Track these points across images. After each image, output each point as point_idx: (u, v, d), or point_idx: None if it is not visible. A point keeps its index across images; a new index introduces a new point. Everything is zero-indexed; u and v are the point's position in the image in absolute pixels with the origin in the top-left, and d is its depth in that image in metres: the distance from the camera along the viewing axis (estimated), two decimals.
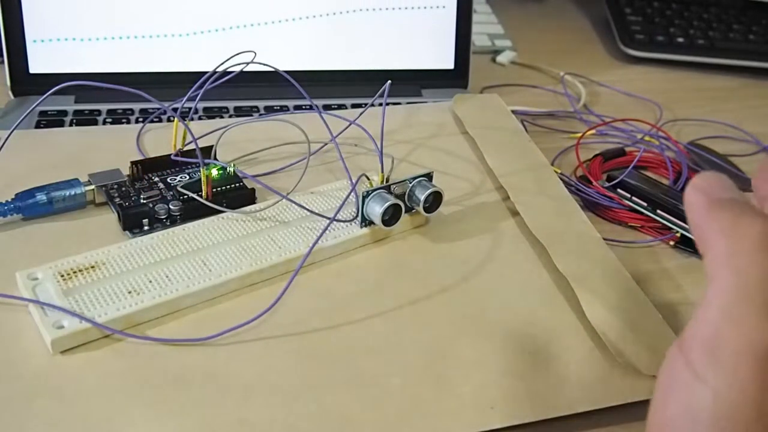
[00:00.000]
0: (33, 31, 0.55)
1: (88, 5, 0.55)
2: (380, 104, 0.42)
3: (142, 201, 0.42)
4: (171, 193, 0.43)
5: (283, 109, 0.57)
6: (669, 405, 0.22)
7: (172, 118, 0.44)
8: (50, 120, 0.54)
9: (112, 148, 0.48)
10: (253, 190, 0.44)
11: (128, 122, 0.54)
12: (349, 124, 0.48)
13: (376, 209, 0.41)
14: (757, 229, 0.21)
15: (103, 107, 0.55)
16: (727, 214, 0.22)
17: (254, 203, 0.44)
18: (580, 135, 0.56)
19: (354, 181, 0.42)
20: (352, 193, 0.42)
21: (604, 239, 0.44)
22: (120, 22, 0.56)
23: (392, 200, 0.41)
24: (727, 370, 0.21)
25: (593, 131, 0.59)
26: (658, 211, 0.48)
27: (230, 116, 0.56)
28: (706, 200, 0.23)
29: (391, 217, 0.41)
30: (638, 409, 0.34)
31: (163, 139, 0.46)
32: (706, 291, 0.22)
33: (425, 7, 0.61)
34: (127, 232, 0.41)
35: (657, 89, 0.69)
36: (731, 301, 0.21)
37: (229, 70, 0.43)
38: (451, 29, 0.62)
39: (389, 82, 0.42)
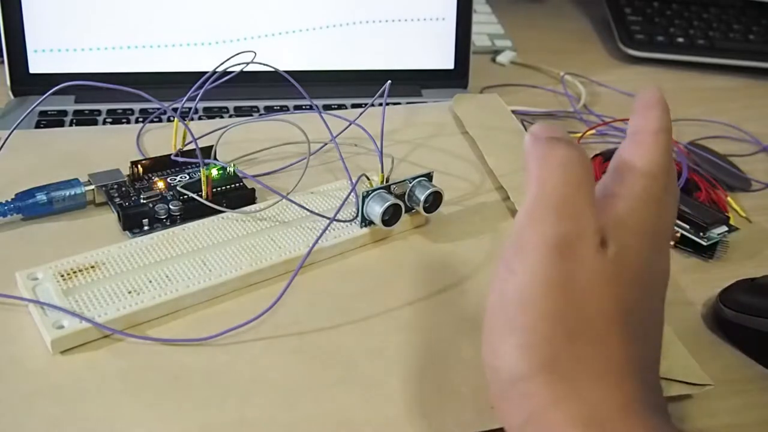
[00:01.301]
0: (33, 31, 0.55)
1: (88, 6, 0.55)
2: (380, 104, 0.42)
3: (142, 201, 0.42)
4: (171, 193, 0.43)
5: (283, 109, 0.57)
6: (490, 296, 0.27)
7: (172, 118, 0.44)
8: (50, 120, 0.54)
9: (112, 148, 0.48)
10: (253, 190, 0.44)
11: (128, 122, 0.54)
12: (349, 124, 0.48)
13: (376, 209, 0.41)
14: (560, 152, 0.26)
15: (103, 107, 0.55)
16: (543, 144, 0.27)
17: (254, 203, 0.44)
18: (580, 135, 0.56)
19: (354, 181, 0.42)
20: (352, 193, 0.42)
21: None
22: (120, 22, 0.56)
23: (392, 200, 0.41)
24: (526, 258, 0.26)
25: (593, 131, 0.59)
26: None
27: (230, 116, 0.56)
28: (532, 137, 0.27)
29: (391, 217, 0.41)
30: None
31: (163, 139, 0.46)
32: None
33: (425, 16, 0.61)
34: (127, 232, 0.41)
35: None
36: (532, 205, 0.26)
37: (229, 70, 0.43)
38: (451, 29, 0.62)
39: (389, 82, 0.42)
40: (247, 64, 0.43)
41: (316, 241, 0.39)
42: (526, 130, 0.55)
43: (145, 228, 0.41)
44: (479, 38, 0.75)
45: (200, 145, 0.42)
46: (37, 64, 0.55)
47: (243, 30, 0.58)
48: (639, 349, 0.26)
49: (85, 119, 0.54)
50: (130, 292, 0.36)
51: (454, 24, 0.61)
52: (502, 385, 0.26)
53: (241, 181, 0.44)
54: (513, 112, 0.57)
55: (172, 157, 0.44)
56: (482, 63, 0.71)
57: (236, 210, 0.42)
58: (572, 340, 0.25)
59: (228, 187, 0.43)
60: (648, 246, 0.27)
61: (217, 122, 0.52)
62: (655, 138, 0.28)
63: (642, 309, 0.26)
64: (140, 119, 0.54)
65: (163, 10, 0.56)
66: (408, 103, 0.58)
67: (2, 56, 0.55)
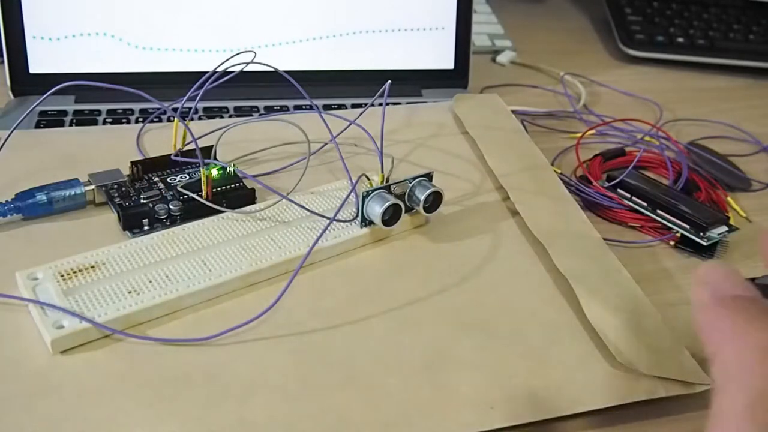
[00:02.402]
0: (33, 31, 0.55)
1: (88, 6, 0.55)
2: (380, 104, 0.42)
3: (142, 201, 0.42)
4: (171, 193, 0.43)
5: (283, 109, 0.57)
6: None
7: (172, 118, 0.44)
8: (50, 120, 0.54)
9: (112, 148, 0.48)
10: (253, 190, 0.44)
11: (128, 122, 0.54)
12: (349, 124, 0.48)
13: (376, 209, 0.41)
14: (761, 339, 0.21)
15: (103, 107, 0.55)
16: (740, 321, 0.22)
17: (254, 203, 0.44)
18: (580, 135, 0.56)
19: (354, 181, 0.42)
20: (352, 193, 0.42)
21: (604, 239, 0.44)
22: (120, 22, 0.56)
23: (392, 200, 0.41)
24: None
25: (593, 131, 0.59)
26: (658, 211, 0.48)
27: (230, 116, 0.56)
28: (712, 299, 0.22)
29: (391, 217, 0.41)
30: (638, 409, 0.35)
31: (163, 139, 0.46)
32: (713, 400, 0.22)
33: (425, 26, 0.61)
34: (127, 232, 0.41)
35: (657, 89, 0.69)
36: (755, 406, 0.21)
37: (229, 70, 0.43)
38: (451, 29, 0.62)
39: (389, 82, 0.42)
40: (247, 64, 0.43)
41: (316, 241, 0.39)
42: (526, 130, 0.55)
43: (145, 228, 0.41)
44: (479, 38, 0.75)
45: (200, 145, 0.42)
46: (37, 64, 0.55)
47: (243, 33, 0.58)
48: None
49: (85, 119, 0.54)
50: (130, 292, 0.36)
51: (454, 13, 0.61)
52: None
53: (241, 181, 0.44)
54: (513, 112, 0.57)
55: (172, 157, 0.44)
56: (482, 63, 0.71)
57: (236, 210, 0.42)
58: None
59: (228, 187, 0.43)
60: None
61: (217, 122, 0.52)
62: None
63: None
64: (140, 119, 0.54)
65: (163, 12, 0.56)
66: (408, 103, 0.58)
67: (2, 56, 0.55)
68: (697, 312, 0.23)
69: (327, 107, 0.57)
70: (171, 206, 0.42)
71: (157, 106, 0.43)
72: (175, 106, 0.44)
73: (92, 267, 0.37)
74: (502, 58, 0.72)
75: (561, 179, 0.49)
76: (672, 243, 0.47)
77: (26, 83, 0.55)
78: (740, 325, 0.22)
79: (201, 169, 0.42)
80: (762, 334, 0.21)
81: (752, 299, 0.22)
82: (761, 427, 0.20)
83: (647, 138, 0.59)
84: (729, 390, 0.21)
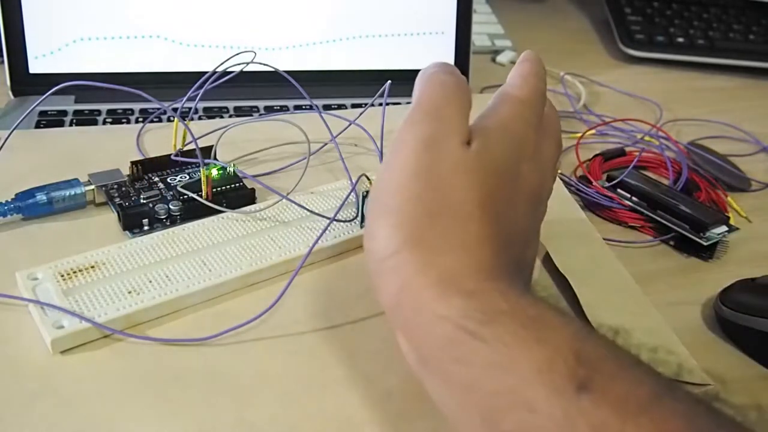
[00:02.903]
0: (33, 32, 0.55)
1: (88, 6, 0.55)
2: (380, 104, 0.42)
3: (142, 201, 0.42)
4: (171, 193, 0.43)
5: (283, 109, 0.57)
6: (372, 191, 0.31)
7: (172, 118, 0.44)
8: (50, 120, 0.54)
9: (112, 148, 0.48)
10: (253, 190, 0.44)
11: (128, 122, 0.54)
12: (349, 124, 0.48)
13: None
14: (438, 76, 0.32)
15: (103, 107, 0.55)
16: (429, 70, 0.32)
17: (254, 203, 0.43)
18: (580, 135, 0.56)
19: (354, 181, 0.42)
20: (352, 193, 0.42)
21: (604, 239, 0.44)
22: (120, 22, 0.56)
23: None
24: (399, 153, 0.30)
25: (593, 131, 0.59)
26: (658, 211, 0.48)
27: (230, 116, 0.56)
28: (423, 69, 0.33)
29: None
30: None
31: (163, 139, 0.46)
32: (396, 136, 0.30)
33: (425, 31, 0.61)
34: (127, 232, 0.41)
35: (657, 89, 0.69)
36: (410, 113, 0.31)
37: (229, 70, 0.43)
38: (451, 29, 0.62)
39: (389, 82, 0.42)
40: (247, 64, 0.43)
41: (316, 241, 0.39)
42: None
43: (145, 228, 0.41)
44: (479, 38, 0.75)
45: (200, 145, 0.42)
46: (37, 64, 0.55)
47: (243, 33, 0.58)
48: (498, 230, 0.29)
49: (85, 119, 0.54)
50: (130, 292, 0.36)
51: (454, 14, 0.61)
52: (377, 264, 0.29)
53: (241, 181, 0.44)
54: None
55: (172, 157, 0.44)
56: (482, 63, 0.71)
57: (236, 210, 0.42)
58: (434, 218, 0.28)
59: (228, 187, 0.43)
60: (512, 151, 0.31)
61: (217, 122, 0.52)
62: (526, 78, 0.33)
63: (502, 201, 0.30)
64: (140, 119, 0.54)
65: (163, 13, 0.56)
66: (408, 103, 0.58)
67: (2, 56, 0.55)
68: (419, 74, 0.33)
69: (327, 107, 0.57)
70: (171, 206, 0.42)
71: (157, 106, 0.43)
72: (175, 106, 0.44)
73: (92, 267, 0.37)
74: (502, 58, 0.72)
75: (561, 179, 0.49)
76: (672, 243, 0.47)
77: (26, 83, 0.55)
78: (429, 73, 0.32)
79: (201, 169, 0.42)
80: (440, 75, 0.32)
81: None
82: (426, 114, 0.30)
83: (647, 138, 0.59)
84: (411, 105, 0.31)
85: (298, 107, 0.57)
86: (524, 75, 0.34)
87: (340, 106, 0.58)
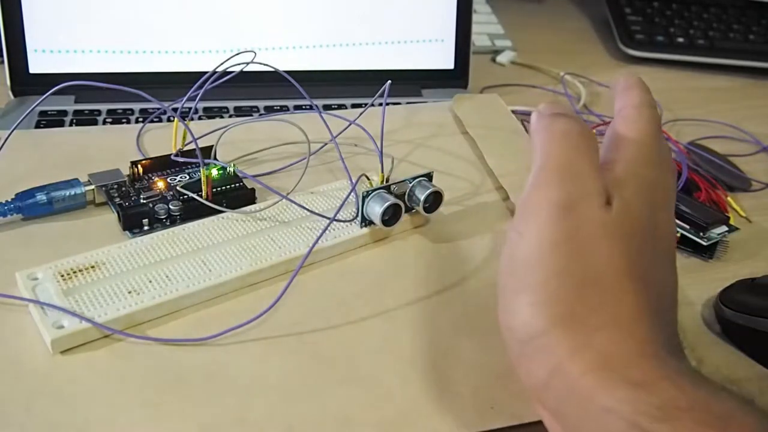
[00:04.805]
0: (33, 32, 0.55)
1: (88, 6, 0.55)
2: (380, 104, 0.42)
3: (142, 201, 0.42)
4: (171, 193, 0.43)
5: (283, 109, 0.57)
6: (501, 261, 0.29)
7: (172, 118, 0.44)
8: (50, 120, 0.54)
9: (112, 148, 0.48)
10: (253, 190, 0.44)
11: (128, 122, 0.54)
12: (349, 124, 0.48)
13: (376, 209, 0.41)
14: (560, 127, 0.29)
15: (103, 107, 0.55)
16: (546, 119, 0.30)
17: (254, 203, 0.44)
18: None
19: (354, 181, 0.42)
20: (352, 193, 0.42)
21: None
22: (120, 22, 0.56)
23: (392, 200, 0.41)
24: (533, 220, 0.28)
25: (593, 131, 0.58)
26: None
27: (230, 116, 0.56)
28: (537, 115, 0.30)
29: (391, 217, 0.41)
30: None
31: (163, 139, 0.46)
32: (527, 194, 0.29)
33: (425, 38, 0.61)
34: (127, 232, 0.41)
35: (657, 89, 0.68)
36: (537, 173, 0.28)
37: (229, 70, 0.43)
38: (451, 29, 0.62)
39: (389, 82, 0.42)
40: (247, 64, 0.43)
41: (316, 241, 0.39)
42: (526, 130, 0.55)
43: (145, 228, 0.41)
44: (479, 38, 0.75)
45: (200, 145, 0.42)
46: (37, 64, 0.55)
47: (243, 33, 0.58)
48: (648, 297, 0.26)
49: (85, 119, 0.54)
50: (130, 292, 0.36)
51: (454, 13, 0.61)
52: (519, 345, 0.27)
53: (241, 181, 0.44)
54: (513, 112, 0.57)
55: (172, 157, 0.44)
56: (482, 63, 0.71)
57: (236, 210, 0.42)
58: (582, 292, 0.26)
59: (228, 187, 0.43)
60: (648, 203, 0.29)
61: (217, 122, 0.52)
62: (639, 110, 0.31)
63: (647, 261, 0.27)
64: (140, 119, 0.54)
65: (163, 13, 0.56)
66: (408, 103, 0.58)
67: (2, 56, 0.55)
68: (531, 126, 0.30)
69: (327, 107, 0.57)
70: (171, 206, 0.42)
71: (157, 106, 0.43)
72: (175, 106, 0.44)
73: (92, 267, 0.37)
74: (502, 58, 0.72)
75: None
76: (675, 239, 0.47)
77: (26, 83, 0.55)
78: (548, 121, 0.30)
79: (201, 169, 0.42)
80: (561, 124, 0.29)
81: (562, 110, 0.30)
82: (554, 177, 0.28)
83: None
84: (534, 159, 0.29)
85: (298, 107, 0.57)
86: (637, 106, 0.31)
87: (340, 106, 0.58)
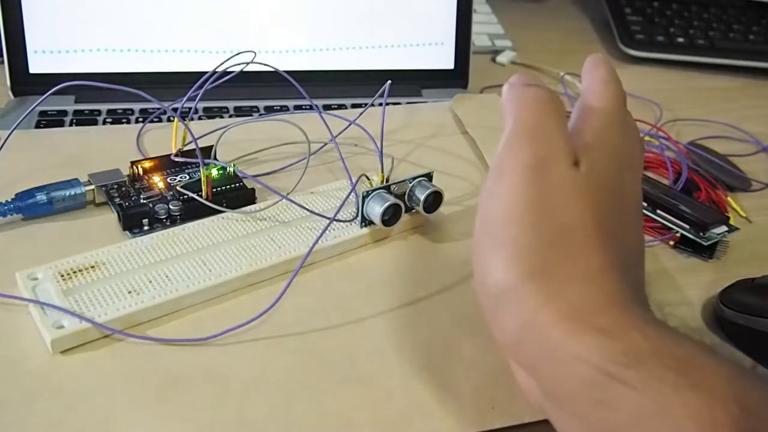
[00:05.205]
0: (33, 32, 0.55)
1: (88, 6, 0.55)
2: (380, 104, 0.42)
3: (142, 201, 0.42)
4: (171, 193, 0.43)
5: (283, 109, 0.57)
6: (476, 221, 0.29)
7: (172, 118, 0.44)
8: (50, 120, 0.54)
9: (112, 148, 0.48)
10: (253, 190, 0.44)
11: (128, 122, 0.54)
12: (349, 124, 0.48)
13: (376, 209, 0.41)
14: (530, 94, 0.30)
15: (103, 107, 0.55)
16: (517, 88, 0.31)
17: (254, 203, 0.44)
18: None
19: (354, 181, 0.42)
20: (352, 193, 0.42)
21: None
22: (120, 22, 0.56)
23: (392, 200, 0.41)
24: (505, 180, 0.28)
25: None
26: (658, 211, 0.48)
27: (230, 116, 0.56)
28: (508, 85, 0.31)
29: (391, 217, 0.41)
30: None
31: (163, 139, 0.46)
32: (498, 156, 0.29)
33: (426, 19, 0.61)
34: (127, 232, 0.41)
35: (657, 89, 0.69)
36: (509, 137, 0.29)
37: (229, 70, 0.43)
38: (451, 29, 0.62)
39: (389, 82, 0.42)
40: (247, 64, 0.43)
41: (316, 241, 0.39)
42: None
43: (145, 228, 0.41)
44: (479, 38, 0.75)
45: (200, 145, 0.42)
46: (37, 64, 0.55)
47: (243, 33, 0.58)
48: (617, 252, 0.28)
49: (85, 119, 0.54)
50: (130, 292, 0.36)
51: (454, 13, 0.61)
52: (493, 300, 0.28)
53: (241, 181, 0.44)
54: None
55: (172, 157, 0.44)
56: (482, 63, 0.71)
57: (236, 210, 0.42)
58: (553, 247, 0.27)
59: (228, 187, 0.43)
60: (615, 165, 0.30)
61: (217, 122, 0.52)
62: (606, 85, 0.32)
63: (615, 219, 0.29)
64: (140, 119, 0.54)
65: (163, 13, 0.56)
66: (408, 103, 0.58)
67: (2, 56, 0.55)
68: (502, 96, 0.31)
69: (327, 107, 0.57)
70: (171, 206, 0.42)
71: (157, 106, 0.43)
72: (175, 106, 0.44)
73: (92, 267, 0.37)
74: (502, 58, 0.72)
75: None
76: (672, 243, 0.47)
77: (26, 83, 0.55)
78: (519, 90, 0.31)
79: (201, 169, 0.42)
80: (531, 91, 0.30)
81: (532, 81, 0.31)
82: (526, 139, 0.29)
83: (647, 138, 0.58)
84: (506, 125, 0.30)
85: (298, 107, 0.57)
86: (604, 80, 0.32)
87: (340, 106, 0.58)
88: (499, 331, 0.28)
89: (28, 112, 0.46)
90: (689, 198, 0.49)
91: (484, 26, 0.77)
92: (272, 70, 0.45)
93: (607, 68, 0.33)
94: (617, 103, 0.32)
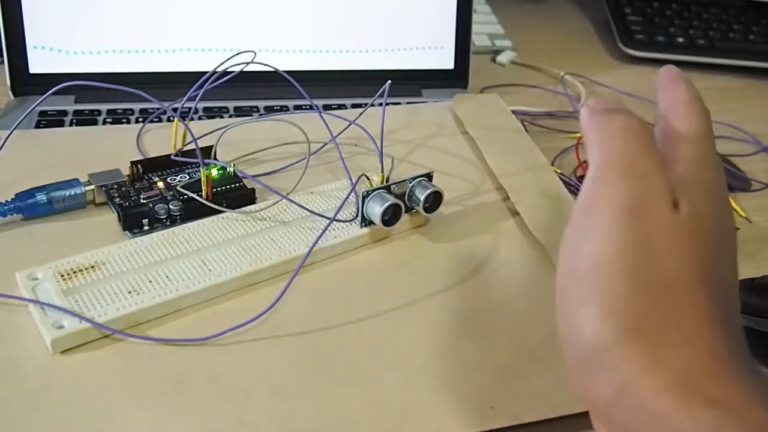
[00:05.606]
0: (33, 31, 0.55)
1: (88, 6, 0.55)
2: (380, 104, 0.42)
3: (142, 201, 0.42)
4: (171, 193, 0.43)
5: (283, 109, 0.57)
6: (560, 266, 0.26)
7: (172, 118, 0.44)
8: (50, 120, 0.54)
9: (112, 148, 0.48)
10: (253, 190, 0.44)
11: (128, 122, 0.54)
12: (349, 124, 0.48)
13: (376, 209, 0.41)
14: (619, 123, 0.27)
15: (103, 107, 0.55)
16: (601, 115, 0.28)
17: (254, 203, 0.44)
18: (580, 135, 0.56)
19: (354, 181, 0.42)
20: (352, 193, 0.42)
21: None
22: (120, 22, 0.56)
23: (392, 200, 0.41)
24: (598, 221, 0.25)
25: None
26: None
27: (230, 116, 0.56)
28: (589, 110, 0.28)
29: (391, 217, 0.41)
30: None
31: (163, 139, 0.46)
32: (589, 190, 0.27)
33: (426, 19, 0.61)
34: (127, 232, 0.41)
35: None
36: (599, 172, 0.26)
37: (229, 70, 0.43)
38: (451, 29, 0.62)
39: (389, 82, 0.42)
40: (247, 64, 0.43)
41: (316, 241, 0.39)
42: (526, 130, 0.55)
43: (145, 228, 0.41)
44: (479, 38, 0.75)
45: (200, 145, 0.42)
46: (37, 64, 0.55)
47: (243, 33, 0.58)
48: (720, 306, 0.25)
49: (85, 119, 0.54)
50: (130, 292, 0.36)
51: (454, 13, 0.61)
52: (585, 359, 0.24)
53: (241, 181, 0.44)
54: (513, 112, 0.57)
55: (172, 157, 0.44)
56: (482, 63, 0.71)
57: (236, 210, 0.42)
58: (655, 301, 0.24)
59: (228, 187, 0.43)
60: (714, 204, 0.27)
61: (217, 122, 0.52)
62: (691, 106, 0.29)
63: (718, 267, 0.26)
64: (140, 119, 0.54)
65: (163, 13, 0.56)
66: (408, 103, 0.58)
67: (2, 56, 0.55)
68: (581, 123, 0.28)
69: (327, 107, 0.57)
70: (171, 206, 0.42)
71: (157, 106, 0.43)
72: (175, 106, 0.44)
73: (92, 267, 0.37)
74: (502, 58, 0.72)
75: (561, 179, 0.49)
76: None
77: (26, 83, 0.55)
78: (604, 118, 0.28)
79: (201, 169, 0.42)
80: (619, 120, 0.27)
81: (616, 106, 0.28)
82: (618, 174, 0.26)
83: None
84: (592, 157, 0.27)
85: (298, 107, 0.57)
86: (687, 102, 0.30)
87: (340, 106, 0.58)
88: (591, 393, 0.25)
89: (28, 112, 0.46)
90: None
91: (484, 26, 0.77)
92: (272, 70, 0.45)
93: (687, 84, 0.30)
94: (706, 127, 0.29)
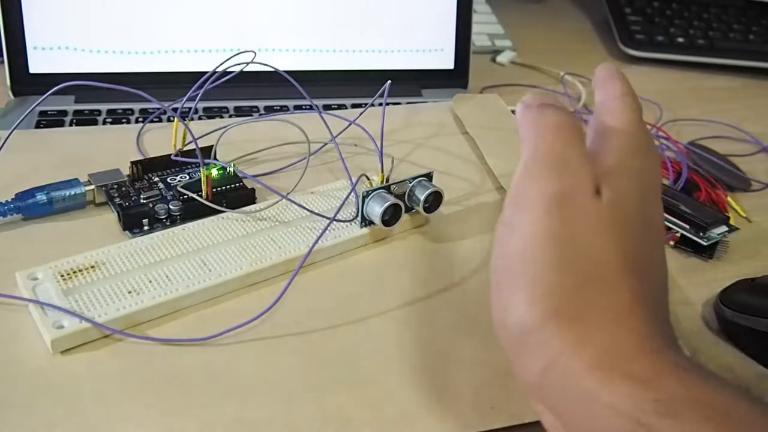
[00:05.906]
0: (33, 31, 0.55)
1: (88, 5, 0.55)
2: (380, 104, 0.42)
3: (142, 201, 0.42)
4: (171, 193, 0.43)
5: (283, 109, 0.57)
6: (493, 256, 0.28)
7: (172, 118, 0.44)
8: (50, 120, 0.54)
9: (112, 148, 0.48)
10: (253, 190, 0.44)
11: (128, 122, 0.54)
12: (349, 124, 0.48)
13: (376, 209, 0.41)
14: (551, 116, 0.29)
15: (103, 107, 0.55)
16: (534, 110, 0.29)
17: (254, 203, 0.44)
18: None
19: (354, 181, 0.42)
20: (352, 193, 0.42)
21: None
22: (120, 22, 0.56)
23: (392, 200, 0.41)
24: (525, 214, 0.27)
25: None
26: None
27: (230, 116, 0.56)
28: (523, 105, 0.30)
29: (391, 217, 0.41)
30: None
31: (163, 139, 0.46)
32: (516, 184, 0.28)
33: (426, 19, 0.61)
34: (127, 232, 0.41)
35: (657, 89, 0.69)
36: (528, 165, 0.28)
37: (229, 70, 0.43)
38: (451, 29, 0.62)
39: (389, 82, 0.42)
40: (247, 64, 0.43)
41: (316, 241, 0.39)
42: None
43: (145, 228, 0.41)
44: (479, 38, 0.75)
45: (200, 145, 0.42)
46: (37, 64, 0.55)
47: (243, 33, 0.58)
48: (644, 289, 0.26)
49: (85, 119, 0.54)
50: (130, 292, 0.36)
51: (454, 13, 0.61)
52: (515, 341, 0.26)
53: (241, 181, 0.44)
54: (513, 112, 0.57)
55: (172, 157, 0.44)
56: (482, 63, 0.71)
57: (236, 210, 0.42)
58: (579, 286, 0.25)
59: (228, 187, 0.43)
60: (639, 192, 0.28)
61: (217, 122, 0.52)
62: (622, 100, 0.31)
63: (642, 251, 0.27)
64: (140, 119, 0.54)
65: (163, 13, 0.56)
66: (408, 103, 0.58)
67: (2, 56, 0.55)
68: (518, 117, 0.30)
69: (327, 107, 0.57)
70: (171, 206, 0.42)
71: (157, 106, 0.43)
72: (175, 106, 0.44)
73: (92, 267, 0.37)
74: (502, 58, 0.72)
75: None
76: (672, 243, 0.47)
77: (26, 83, 0.55)
78: (537, 113, 0.29)
79: (201, 169, 0.42)
80: (550, 116, 0.29)
81: (551, 103, 0.29)
82: (546, 169, 0.27)
83: None
84: (524, 150, 0.28)
85: (298, 107, 0.57)
86: (619, 96, 0.31)
87: (340, 106, 0.58)
88: (522, 371, 0.26)
89: (28, 112, 0.45)
90: (689, 198, 0.49)
91: (484, 26, 0.77)
92: (272, 70, 0.45)
93: (622, 81, 0.32)
94: (636, 120, 0.30)
